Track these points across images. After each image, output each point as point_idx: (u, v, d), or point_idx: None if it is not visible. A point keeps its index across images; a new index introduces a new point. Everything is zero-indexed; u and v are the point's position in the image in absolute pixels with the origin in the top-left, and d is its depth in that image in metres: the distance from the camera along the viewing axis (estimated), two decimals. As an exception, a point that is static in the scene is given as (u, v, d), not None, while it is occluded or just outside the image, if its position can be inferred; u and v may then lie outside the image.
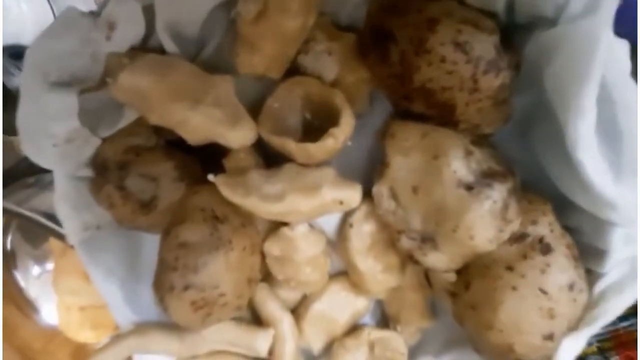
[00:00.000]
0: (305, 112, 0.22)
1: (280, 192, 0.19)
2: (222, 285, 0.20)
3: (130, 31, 0.17)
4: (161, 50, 0.20)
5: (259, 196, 0.19)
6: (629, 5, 0.16)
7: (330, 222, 0.24)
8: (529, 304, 0.18)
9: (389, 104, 0.22)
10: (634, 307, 0.18)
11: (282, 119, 0.22)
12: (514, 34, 0.17)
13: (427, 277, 0.26)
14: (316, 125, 0.23)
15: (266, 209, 0.19)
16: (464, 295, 0.21)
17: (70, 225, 0.23)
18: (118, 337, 0.24)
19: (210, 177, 0.20)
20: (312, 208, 0.20)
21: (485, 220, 0.18)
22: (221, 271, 0.20)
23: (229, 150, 0.22)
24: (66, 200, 0.22)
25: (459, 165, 0.18)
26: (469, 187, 0.18)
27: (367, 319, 0.28)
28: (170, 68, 0.19)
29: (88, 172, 0.22)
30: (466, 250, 0.19)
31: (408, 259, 0.21)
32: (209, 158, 0.24)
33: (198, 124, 0.20)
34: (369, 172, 0.23)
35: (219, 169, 0.22)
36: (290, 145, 0.20)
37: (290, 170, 0.20)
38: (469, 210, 0.17)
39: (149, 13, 0.17)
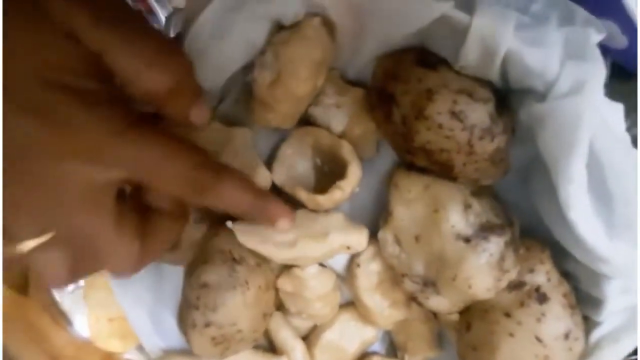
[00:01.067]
0: (316, 158, 0.24)
1: (292, 239, 0.21)
2: (239, 323, 0.22)
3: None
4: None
5: (273, 243, 0.21)
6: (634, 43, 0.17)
7: (339, 259, 0.25)
8: (525, 351, 0.19)
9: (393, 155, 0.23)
10: (631, 354, 0.19)
11: (294, 164, 0.24)
12: (510, 97, 0.18)
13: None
14: (326, 170, 0.24)
15: (279, 256, 0.21)
16: (465, 335, 0.22)
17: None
18: None
19: (229, 224, 0.22)
20: (322, 254, 0.21)
21: (482, 271, 0.19)
22: (238, 309, 0.22)
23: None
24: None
25: (457, 219, 0.19)
26: (467, 240, 0.19)
27: (376, 347, 0.29)
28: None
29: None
30: (466, 297, 0.20)
31: (412, 300, 0.22)
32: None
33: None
34: (375, 213, 0.25)
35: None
36: (301, 195, 0.21)
37: (302, 217, 0.22)
38: (467, 261, 0.19)
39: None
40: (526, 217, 0.21)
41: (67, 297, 0.49)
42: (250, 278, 0.22)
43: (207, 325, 0.21)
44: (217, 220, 0.25)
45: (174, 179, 0.14)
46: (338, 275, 0.26)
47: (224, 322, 0.21)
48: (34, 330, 0.47)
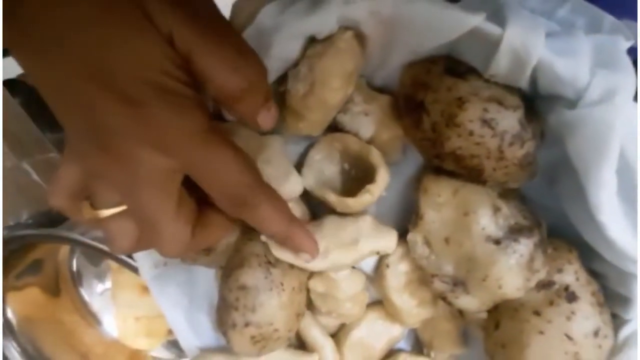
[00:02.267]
0: (344, 163, 0.25)
1: (324, 250, 0.22)
2: (276, 322, 0.23)
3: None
4: (220, 116, 0.23)
5: (306, 257, 0.22)
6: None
7: (368, 261, 0.26)
8: (555, 348, 0.19)
9: (418, 160, 0.24)
10: None
11: (323, 168, 0.25)
12: (538, 103, 0.19)
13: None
14: (353, 174, 0.25)
15: (313, 267, 0.22)
16: (494, 334, 0.22)
17: (144, 264, 0.27)
18: None
19: (263, 238, 0.23)
20: (352, 260, 0.22)
21: (512, 272, 0.19)
22: (275, 310, 0.23)
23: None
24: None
25: (487, 222, 0.19)
26: (497, 242, 0.19)
27: (402, 344, 0.30)
28: (232, 134, 0.22)
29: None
30: (495, 296, 0.20)
31: (441, 300, 0.23)
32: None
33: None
34: (401, 214, 0.26)
35: None
36: (331, 198, 0.22)
37: (332, 223, 0.23)
38: (497, 263, 0.19)
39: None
40: (552, 218, 0.22)
41: (97, 298, 0.51)
42: (284, 280, 0.23)
43: (247, 325, 0.22)
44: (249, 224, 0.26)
45: (222, 189, 0.16)
46: (366, 276, 0.27)
47: (262, 322, 0.22)
48: (65, 330, 0.49)
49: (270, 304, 0.23)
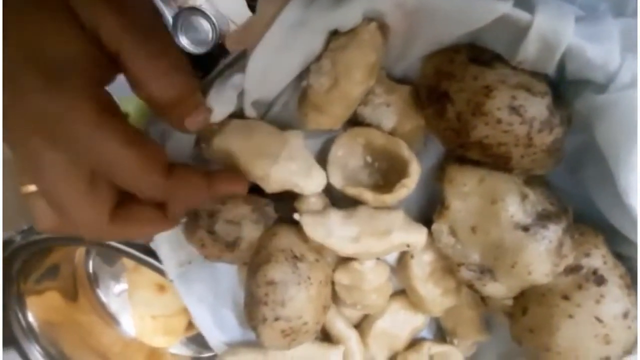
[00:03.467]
0: (366, 156, 0.25)
1: (356, 234, 0.22)
2: (305, 315, 0.23)
3: (225, 110, 0.20)
4: (240, 113, 0.23)
5: (338, 238, 0.22)
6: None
7: (391, 255, 0.26)
8: (585, 331, 0.20)
9: (439, 151, 0.24)
10: None
11: (346, 163, 0.25)
12: (564, 89, 0.19)
13: (482, 296, 0.28)
14: (377, 167, 0.25)
15: (344, 250, 0.22)
16: (522, 319, 0.23)
17: (169, 263, 0.27)
18: (218, 358, 0.28)
19: (296, 216, 0.23)
20: (382, 250, 0.22)
21: (542, 258, 0.20)
22: (304, 303, 0.23)
23: (295, 196, 0.25)
24: (165, 243, 0.26)
25: (516, 209, 0.20)
26: (526, 229, 0.20)
27: (425, 333, 0.30)
28: (252, 131, 0.22)
29: (182, 219, 0.26)
30: (524, 283, 0.21)
31: (468, 288, 0.23)
32: (279, 199, 0.27)
33: (277, 177, 0.23)
34: (423, 204, 0.26)
35: (289, 210, 0.25)
36: (367, 196, 0.22)
37: (365, 213, 0.23)
38: (527, 249, 0.20)
39: (239, 95, 0.20)
40: (577, 204, 0.22)
41: (114, 299, 0.51)
42: (311, 273, 0.24)
43: (277, 319, 0.23)
44: (273, 220, 0.26)
45: (131, 182, 0.15)
46: (390, 267, 0.27)
47: (291, 315, 0.23)
48: (84, 332, 0.49)
49: (299, 297, 0.23)
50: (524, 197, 0.20)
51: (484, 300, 0.28)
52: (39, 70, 0.12)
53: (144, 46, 0.14)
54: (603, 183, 0.20)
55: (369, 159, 0.25)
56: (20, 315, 0.39)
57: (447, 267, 0.26)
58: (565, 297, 0.20)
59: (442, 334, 0.30)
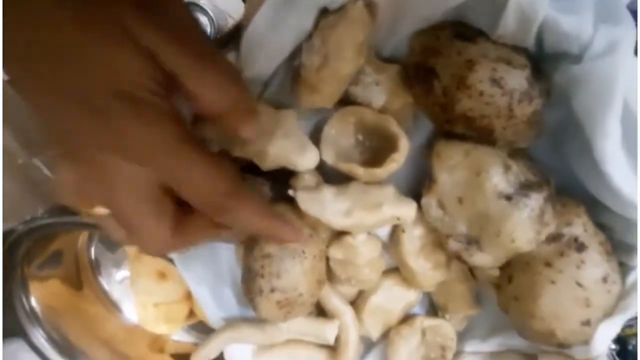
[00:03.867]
0: (358, 135, 0.26)
1: (349, 208, 0.23)
2: (300, 287, 0.24)
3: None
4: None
5: (332, 212, 0.23)
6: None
7: (383, 228, 0.27)
8: (567, 295, 0.21)
9: (430, 123, 0.25)
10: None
11: (338, 142, 0.26)
12: (544, 63, 0.20)
13: (471, 270, 0.29)
14: (368, 145, 0.26)
15: (337, 223, 0.23)
16: (507, 288, 0.24)
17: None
18: (216, 332, 0.29)
19: (291, 192, 0.24)
20: (374, 223, 0.23)
21: (524, 226, 0.20)
22: (299, 276, 0.24)
23: (292, 171, 0.26)
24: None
25: (499, 179, 0.20)
26: (509, 198, 0.21)
27: (417, 309, 0.31)
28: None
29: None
30: (508, 251, 0.22)
31: (456, 259, 0.24)
32: (274, 179, 0.28)
33: (272, 154, 0.24)
34: (413, 180, 0.27)
35: (284, 189, 0.26)
36: (357, 170, 0.23)
37: (357, 188, 0.24)
38: (510, 218, 0.20)
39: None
40: (559, 178, 0.23)
41: (116, 286, 0.52)
42: (306, 248, 0.25)
43: (273, 290, 0.24)
44: (271, 200, 0.27)
45: (198, 197, 0.16)
46: (382, 244, 0.28)
47: (287, 287, 0.24)
48: (87, 319, 0.50)
49: (294, 270, 0.24)
50: (507, 168, 0.21)
51: (473, 273, 0.29)
52: (121, 98, 0.13)
53: (199, 63, 0.15)
54: (582, 154, 0.21)
55: (360, 137, 0.26)
56: (24, 301, 0.40)
57: (437, 241, 0.27)
58: (548, 264, 0.21)
59: (434, 309, 0.31)
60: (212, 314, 0.29)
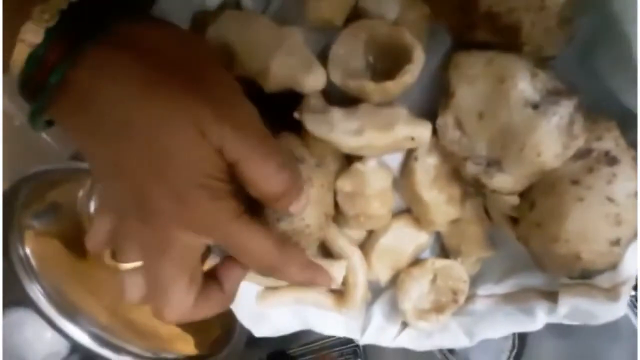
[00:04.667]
0: (369, 55, 0.24)
1: (359, 127, 0.21)
2: (307, 218, 0.23)
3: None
4: (237, 6, 0.22)
5: (341, 131, 0.21)
6: None
7: (394, 161, 0.26)
8: (596, 212, 0.19)
9: (447, 40, 0.23)
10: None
11: (346, 64, 0.24)
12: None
13: (486, 210, 0.28)
14: (379, 68, 0.24)
15: (347, 143, 0.21)
16: (529, 216, 0.22)
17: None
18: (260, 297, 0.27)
19: (297, 114, 0.22)
20: (387, 143, 0.22)
21: (552, 137, 0.19)
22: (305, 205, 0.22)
23: (295, 103, 0.24)
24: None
25: (526, 85, 0.19)
26: (536, 106, 0.19)
27: (428, 254, 0.30)
28: (249, 21, 0.21)
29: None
30: (532, 168, 0.20)
31: (474, 184, 0.22)
32: (277, 110, 0.27)
33: (276, 72, 0.22)
34: (428, 107, 0.25)
35: (287, 121, 0.25)
36: (368, 86, 0.21)
37: (367, 109, 0.22)
38: (537, 128, 0.19)
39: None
40: (588, 96, 0.21)
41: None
42: (313, 176, 0.23)
43: (279, 220, 0.22)
44: (273, 128, 0.26)
45: (252, 262, 0.19)
46: (393, 180, 0.26)
47: (293, 216, 0.22)
48: (93, 283, 0.49)
49: (300, 197, 0.22)
50: (533, 74, 0.19)
51: (487, 213, 0.28)
52: (198, 187, 0.16)
53: (257, 152, 0.17)
54: (618, 64, 0.19)
55: (370, 58, 0.24)
56: (20, 251, 0.39)
57: (452, 172, 0.25)
58: (575, 182, 0.20)
59: (445, 254, 0.30)
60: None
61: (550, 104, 0.19)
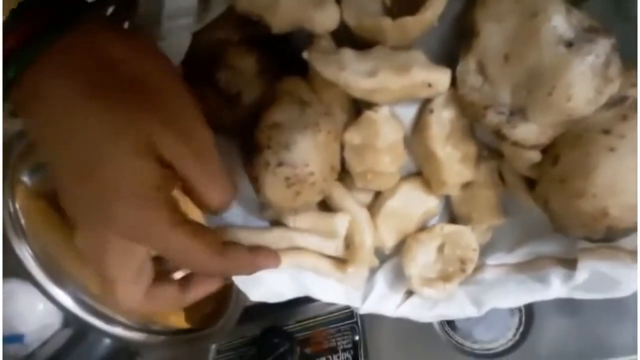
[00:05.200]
0: (386, -4, 0.22)
1: (373, 68, 0.20)
2: (311, 164, 0.21)
3: None
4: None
5: (352, 71, 0.20)
6: None
7: (406, 116, 0.24)
8: (628, 163, 0.18)
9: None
10: None
11: (361, 5, 0.22)
12: None
13: (500, 175, 0.26)
14: (396, 13, 0.23)
15: (358, 85, 0.20)
16: (550, 172, 0.21)
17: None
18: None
19: (305, 54, 0.20)
20: (402, 87, 0.20)
21: (585, 78, 0.17)
22: (310, 150, 0.21)
23: (305, 46, 0.23)
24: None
25: (560, 20, 0.17)
26: (570, 44, 0.17)
27: (436, 222, 0.28)
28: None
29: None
30: (560, 115, 0.18)
31: (495, 135, 0.21)
32: (284, 57, 0.25)
33: (286, 6, 0.20)
34: (446, 57, 0.23)
35: (295, 54, 0.23)
36: (385, 23, 0.20)
37: (381, 51, 0.20)
38: (569, 68, 0.17)
39: None
40: (621, 44, 0.20)
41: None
42: (320, 121, 0.21)
43: (280, 164, 0.21)
44: (280, 70, 0.24)
45: (197, 271, 0.21)
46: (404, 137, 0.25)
47: (297, 161, 0.21)
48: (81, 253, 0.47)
49: (306, 142, 0.21)
50: (568, 10, 0.17)
51: (502, 178, 0.26)
52: (128, 200, 0.16)
53: (206, 172, 0.18)
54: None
55: (387, 1, 0.22)
56: (10, 207, 0.37)
57: (468, 129, 0.24)
58: (606, 131, 0.18)
59: (455, 223, 0.28)
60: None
61: (586, 41, 0.17)
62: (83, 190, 0.16)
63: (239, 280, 0.27)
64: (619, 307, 0.31)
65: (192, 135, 0.18)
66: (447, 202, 0.28)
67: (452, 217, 0.28)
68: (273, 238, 0.26)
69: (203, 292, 0.22)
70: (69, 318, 0.44)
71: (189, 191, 0.19)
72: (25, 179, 0.39)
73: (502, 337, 0.33)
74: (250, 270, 0.22)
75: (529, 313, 0.33)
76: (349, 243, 0.26)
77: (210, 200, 0.19)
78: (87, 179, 0.16)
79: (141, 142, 0.16)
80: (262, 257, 0.23)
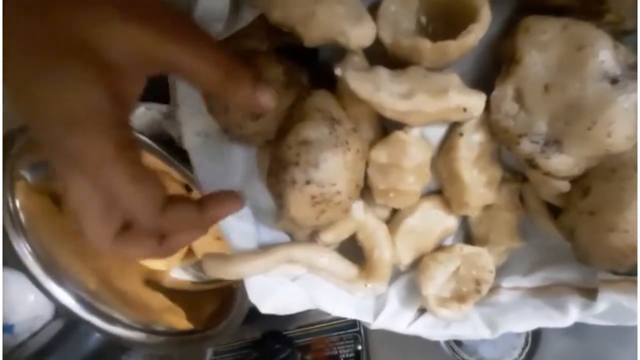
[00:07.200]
0: (421, 15, 0.22)
1: (409, 90, 0.19)
2: (339, 184, 0.21)
3: None
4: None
5: (388, 92, 0.19)
6: None
7: (435, 135, 0.24)
8: (665, 204, 0.17)
9: (511, 2, 0.20)
10: None
11: (396, 22, 0.22)
12: None
13: (521, 198, 0.26)
14: (431, 31, 0.22)
15: (394, 106, 0.19)
16: (580, 203, 0.20)
17: (187, 130, 0.24)
18: (271, 250, 0.25)
19: (338, 71, 0.20)
20: (437, 111, 0.19)
21: (627, 115, 0.17)
22: (339, 169, 0.20)
23: (332, 60, 0.22)
24: (188, 99, 0.23)
25: (608, 55, 0.17)
26: (615, 81, 0.17)
27: (450, 242, 0.28)
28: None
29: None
30: (598, 150, 0.18)
31: (527, 163, 0.20)
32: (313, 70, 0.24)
33: (322, 19, 0.20)
34: (480, 80, 0.23)
35: (326, 68, 0.22)
36: (424, 45, 0.19)
37: (417, 72, 0.20)
38: (612, 104, 0.17)
39: None
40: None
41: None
42: (349, 139, 0.21)
43: (308, 182, 0.20)
44: (309, 84, 0.23)
45: (135, 214, 0.17)
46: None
47: (324, 180, 0.20)
48: (82, 250, 0.46)
49: (335, 161, 0.20)
50: (615, 46, 0.17)
51: (523, 202, 0.26)
52: (65, 122, 0.15)
53: (190, 47, 0.16)
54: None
55: (423, 19, 0.22)
56: (10, 203, 0.36)
57: (496, 153, 0.23)
58: (642, 169, 0.18)
59: (470, 243, 0.28)
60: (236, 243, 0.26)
61: (631, 79, 0.17)
62: (42, 119, 0.15)
63: (251, 292, 0.27)
64: (625, 332, 0.31)
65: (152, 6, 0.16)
66: (464, 221, 0.28)
67: (468, 236, 0.28)
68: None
69: (183, 242, 0.19)
70: (60, 311, 0.43)
71: (187, 77, 0.17)
72: (26, 174, 0.38)
73: (507, 355, 0.33)
74: (204, 230, 0.19)
75: (536, 333, 0.33)
76: (366, 257, 0.26)
77: (207, 70, 0.17)
78: (37, 104, 0.15)
79: (72, 45, 0.14)
80: (212, 210, 0.19)
